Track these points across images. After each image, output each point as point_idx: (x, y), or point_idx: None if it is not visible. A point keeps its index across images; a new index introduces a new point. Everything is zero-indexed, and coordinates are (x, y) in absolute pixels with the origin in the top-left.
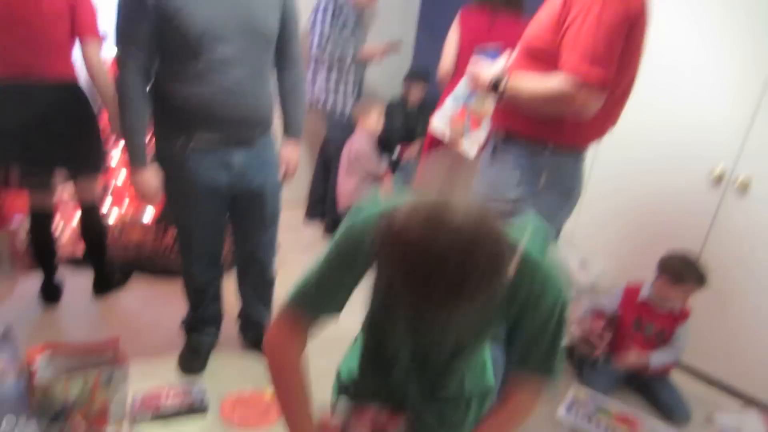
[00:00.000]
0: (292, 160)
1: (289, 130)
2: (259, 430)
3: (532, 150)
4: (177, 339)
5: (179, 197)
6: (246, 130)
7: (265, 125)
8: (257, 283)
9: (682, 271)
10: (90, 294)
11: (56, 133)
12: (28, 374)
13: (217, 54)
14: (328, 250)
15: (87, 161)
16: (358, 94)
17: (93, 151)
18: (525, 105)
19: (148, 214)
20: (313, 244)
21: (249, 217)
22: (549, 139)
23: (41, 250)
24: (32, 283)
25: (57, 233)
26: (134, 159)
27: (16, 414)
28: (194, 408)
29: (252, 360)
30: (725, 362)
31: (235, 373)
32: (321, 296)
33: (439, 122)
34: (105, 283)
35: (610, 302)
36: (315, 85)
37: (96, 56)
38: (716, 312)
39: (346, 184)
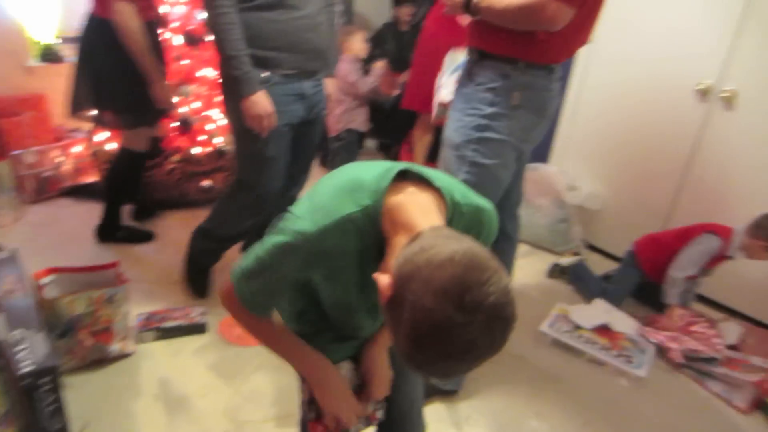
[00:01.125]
0: (332, 93)
1: (329, 68)
2: (254, 348)
3: (505, 68)
4: (175, 267)
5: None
6: (317, 61)
7: (330, 58)
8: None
9: None
10: (90, 222)
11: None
12: (35, 292)
13: None
14: (262, 267)
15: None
16: (348, 21)
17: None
18: (497, 20)
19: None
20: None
21: (304, 145)
22: (521, 56)
23: (123, 187)
24: (36, 211)
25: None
26: (248, 85)
27: (25, 328)
28: (195, 327)
29: None
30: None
31: None
32: (263, 301)
33: (445, 96)
34: (145, 212)
35: (708, 251)
36: None
37: None
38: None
39: (334, 111)
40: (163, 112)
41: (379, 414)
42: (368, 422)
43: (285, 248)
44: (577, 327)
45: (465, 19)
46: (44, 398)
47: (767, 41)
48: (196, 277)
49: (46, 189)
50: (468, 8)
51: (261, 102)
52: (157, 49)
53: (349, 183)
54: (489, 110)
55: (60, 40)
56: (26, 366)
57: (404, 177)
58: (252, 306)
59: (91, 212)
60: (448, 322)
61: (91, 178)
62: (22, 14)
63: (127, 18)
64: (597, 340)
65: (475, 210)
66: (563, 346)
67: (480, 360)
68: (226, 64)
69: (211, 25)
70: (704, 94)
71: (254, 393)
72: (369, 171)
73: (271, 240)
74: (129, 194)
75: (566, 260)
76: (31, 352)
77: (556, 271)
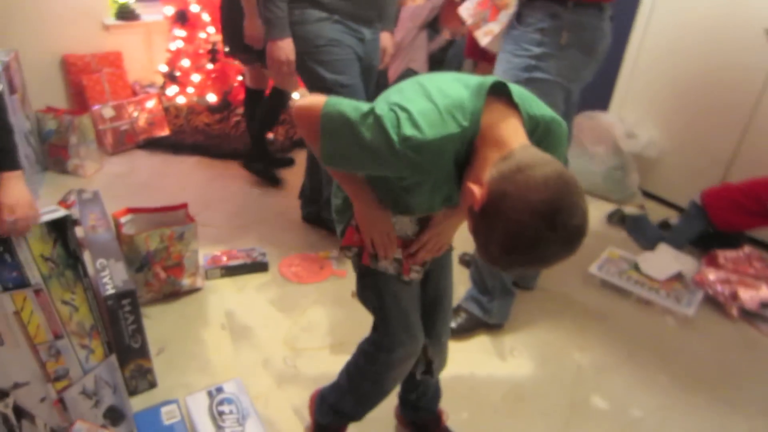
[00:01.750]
0: (389, 48)
1: (386, 21)
2: (311, 285)
3: (554, 8)
4: (241, 213)
5: (331, 59)
6: (374, 9)
7: (388, 10)
8: None
9: None
10: (163, 172)
11: None
12: (116, 229)
13: None
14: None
15: None
16: None
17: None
18: None
19: (212, 98)
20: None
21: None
22: None
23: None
24: (115, 162)
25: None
26: (278, 29)
27: (106, 258)
28: (257, 265)
29: (307, 229)
30: None
31: (292, 239)
32: (338, 159)
33: (465, 10)
34: (250, 159)
35: None
36: None
37: None
38: None
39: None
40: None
41: (414, 273)
42: (400, 269)
43: (386, 142)
44: (631, 266)
45: None
46: (126, 318)
47: None
48: None
49: (124, 141)
50: None
51: (285, 48)
52: None
53: (452, 104)
54: (537, 50)
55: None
56: (109, 289)
57: (492, 92)
58: (327, 156)
59: (164, 163)
60: (539, 237)
61: (164, 131)
62: None
63: None
64: (646, 282)
65: (548, 121)
66: (612, 287)
67: (555, 263)
68: (262, 5)
69: None
70: None
71: (310, 324)
72: (464, 87)
73: (381, 122)
74: (263, 128)
75: (630, 209)
76: (112, 278)
77: (616, 217)
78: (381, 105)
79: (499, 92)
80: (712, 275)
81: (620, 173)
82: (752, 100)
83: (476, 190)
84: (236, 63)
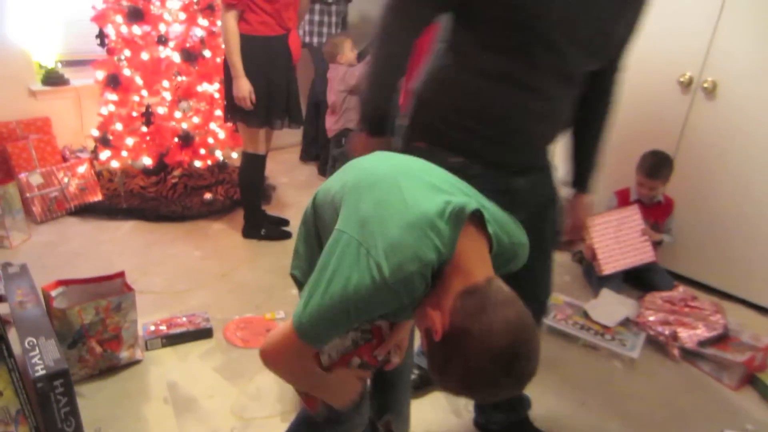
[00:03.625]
0: None
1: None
2: (258, 349)
3: None
4: (182, 277)
5: None
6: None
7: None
8: None
9: (656, 164)
10: (97, 239)
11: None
12: (45, 304)
13: None
14: (331, 302)
15: None
16: (343, 29)
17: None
18: None
19: (148, 161)
20: (309, 183)
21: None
22: None
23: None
24: (44, 231)
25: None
26: (373, 126)
27: (36, 337)
28: (200, 332)
29: (251, 288)
30: (698, 261)
31: (237, 302)
32: (328, 335)
33: None
34: (248, 228)
35: (609, 207)
36: (300, 23)
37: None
38: (692, 210)
39: (331, 122)
40: (265, 115)
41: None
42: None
43: (362, 292)
44: (576, 312)
45: None
46: (58, 400)
47: (743, 33)
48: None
49: (54, 209)
50: None
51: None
52: (270, 59)
53: (420, 220)
54: None
55: (60, 64)
56: (39, 370)
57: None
58: (313, 339)
59: (98, 229)
60: (495, 381)
61: (96, 197)
62: (25, 39)
63: (226, 23)
64: (591, 327)
65: (516, 248)
66: (559, 333)
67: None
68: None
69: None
70: (686, 85)
71: (259, 392)
72: (434, 200)
73: (345, 277)
74: (260, 195)
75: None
76: (42, 357)
77: (577, 257)
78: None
79: (473, 216)
80: (652, 316)
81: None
82: (672, 143)
83: (437, 319)
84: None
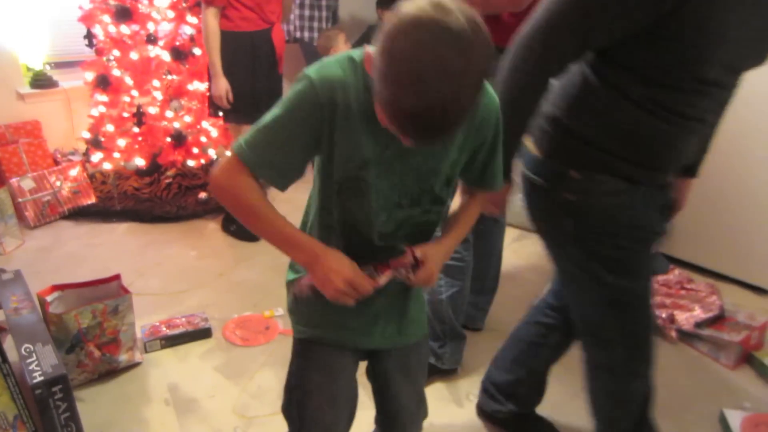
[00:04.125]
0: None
1: None
2: (258, 347)
3: None
4: (178, 278)
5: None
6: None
7: None
8: None
9: None
10: (92, 242)
11: None
12: (41, 309)
13: None
14: (281, 110)
15: None
16: (333, 23)
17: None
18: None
19: (140, 162)
20: (303, 178)
21: None
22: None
23: None
24: (38, 235)
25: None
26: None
27: (32, 343)
28: (199, 332)
29: (249, 287)
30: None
31: (235, 301)
32: (272, 157)
33: None
34: (224, 221)
35: None
36: (290, 17)
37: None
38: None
39: None
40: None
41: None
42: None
43: (294, 97)
44: None
45: None
46: (58, 406)
47: None
48: None
49: (47, 213)
50: None
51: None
52: (252, 55)
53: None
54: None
55: (49, 66)
56: (37, 376)
57: None
58: (256, 163)
59: (92, 232)
60: (421, 42)
61: (90, 199)
62: (11, 41)
63: (207, 20)
64: None
65: None
66: None
67: (457, 93)
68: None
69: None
70: None
71: (260, 389)
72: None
73: (283, 99)
74: None
75: None
76: (40, 363)
77: None
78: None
79: None
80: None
81: None
82: None
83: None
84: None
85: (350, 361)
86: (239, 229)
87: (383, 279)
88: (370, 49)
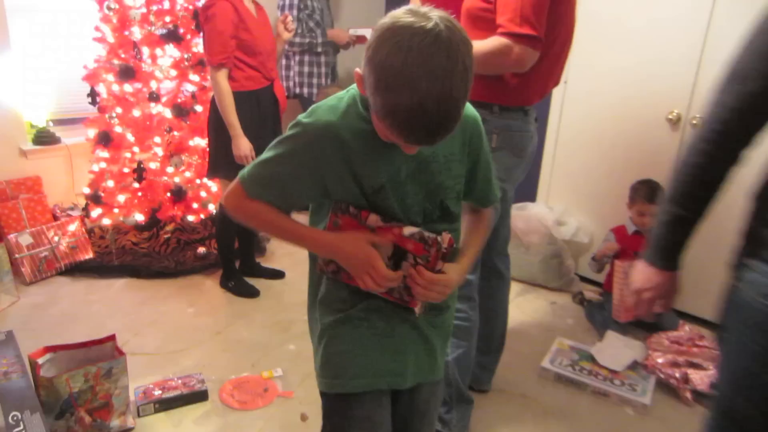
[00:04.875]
0: None
1: None
2: (255, 411)
3: (481, 113)
4: (175, 337)
5: None
6: None
7: None
8: None
9: (653, 189)
10: (88, 299)
11: None
12: (32, 372)
13: None
14: (279, 149)
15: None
16: (333, 79)
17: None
18: None
19: (140, 217)
20: None
21: None
22: (495, 100)
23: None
24: (34, 292)
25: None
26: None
27: (20, 411)
28: (195, 395)
29: (247, 346)
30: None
31: (233, 360)
32: (272, 191)
33: None
34: (222, 278)
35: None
36: (290, 74)
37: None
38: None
39: None
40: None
41: (419, 308)
42: (403, 299)
43: (289, 140)
44: (582, 357)
45: None
46: None
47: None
48: None
49: (44, 269)
50: None
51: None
52: (259, 115)
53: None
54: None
55: (50, 123)
56: None
57: None
58: (260, 195)
59: (88, 289)
60: (402, 45)
61: (88, 255)
62: (16, 99)
63: (218, 83)
64: (599, 372)
65: None
66: (566, 380)
67: (447, 87)
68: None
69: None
70: (675, 122)
71: None
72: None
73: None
74: (233, 247)
75: (589, 294)
76: None
77: (577, 299)
78: None
79: None
80: (660, 359)
81: (556, 261)
82: (664, 180)
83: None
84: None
85: (387, 409)
86: (237, 286)
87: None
88: (358, 69)
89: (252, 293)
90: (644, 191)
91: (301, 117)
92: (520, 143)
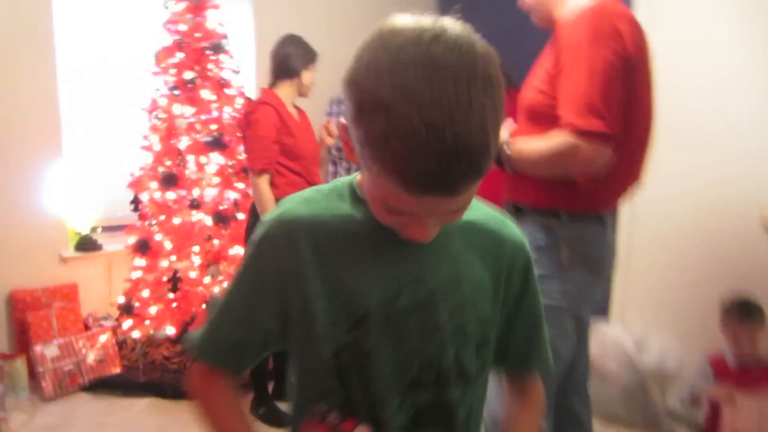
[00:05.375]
0: None
1: None
2: None
3: (547, 222)
4: None
5: None
6: None
7: None
8: None
9: (748, 309)
10: (105, 422)
11: None
12: None
13: None
14: (233, 283)
15: None
16: None
17: None
18: (530, 169)
19: (171, 330)
20: None
21: None
22: (563, 206)
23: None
24: (50, 410)
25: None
26: None
27: None
28: None
29: None
30: None
31: None
32: (232, 346)
33: None
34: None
35: (705, 384)
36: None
37: None
38: None
39: None
40: None
41: None
42: None
43: (248, 256)
44: None
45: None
46: None
47: None
48: None
49: (66, 384)
50: (499, 162)
51: None
52: None
53: None
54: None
55: (98, 230)
56: None
57: None
58: (208, 351)
59: (108, 409)
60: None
61: (115, 369)
62: (61, 206)
63: (260, 189)
64: None
65: None
66: None
67: (465, 130)
68: None
69: None
70: None
71: None
72: None
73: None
74: (267, 368)
75: None
76: None
77: None
78: None
79: None
80: None
81: (639, 394)
82: (761, 292)
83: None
84: None
85: None
86: (268, 413)
87: None
88: (342, 119)
89: (282, 423)
90: (736, 307)
91: (267, 214)
92: (597, 257)
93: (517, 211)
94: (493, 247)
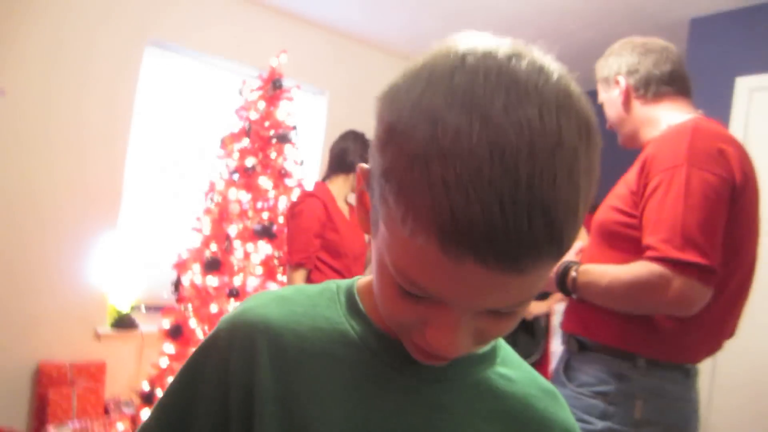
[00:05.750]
0: None
1: None
2: None
3: (619, 365)
4: None
5: None
6: None
7: None
8: None
9: None
10: None
11: None
12: None
13: None
14: (171, 383)
15: None
16: None
17: None
18: (602, 299)
19: None
20: None
21: None
22: (640, 350)
23: None
24: None
25: None
26: None
27: None
28: None
29: None
30: None
31: None
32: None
33: None
34: None
35: None
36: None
37: None
38: None
39: None
40: None
41: None
42: None
43: (203, 344)
44: None
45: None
46: None
47: None
48: None
49: None
50: (563, 286)
51: None
52: None
53: None
54: (601, 425)
55: (138, 308)
56: None
57: None
58: None
59: None
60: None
61: None
62: (107, 279)
63: (294, 282)
64: None
65: None
66: None
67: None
68: None
69: None
70: None
71: None
72: None
73: None
74: None
75: None
76: None
77: None
78: None
79: None
80: None
81: None
82: None
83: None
84: None
85: None
86: None
87: None
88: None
89: None
90: None
91: (227, 315)
92: (679, 418)
93: (583, 348)
94: (531, 427)
